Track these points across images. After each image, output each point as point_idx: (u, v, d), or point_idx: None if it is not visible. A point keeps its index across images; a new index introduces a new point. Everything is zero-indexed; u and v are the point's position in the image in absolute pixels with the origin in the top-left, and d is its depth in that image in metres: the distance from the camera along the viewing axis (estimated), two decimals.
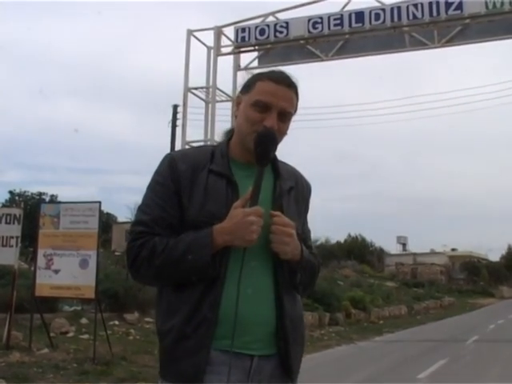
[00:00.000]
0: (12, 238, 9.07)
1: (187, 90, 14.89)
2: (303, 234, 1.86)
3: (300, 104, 1.81)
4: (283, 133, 1.78)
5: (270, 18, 14.57)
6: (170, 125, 22.89)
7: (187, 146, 13.72)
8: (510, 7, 12.53)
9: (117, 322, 12.42)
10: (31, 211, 16.63)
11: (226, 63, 15.17)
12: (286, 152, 1.89)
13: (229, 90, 15.01)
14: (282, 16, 14.58)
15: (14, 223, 9.14)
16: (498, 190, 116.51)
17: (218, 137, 1.98)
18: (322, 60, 14.38)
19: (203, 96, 15.09)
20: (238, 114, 1.80)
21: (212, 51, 15.02)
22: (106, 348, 9.00)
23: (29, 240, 16.50)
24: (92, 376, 7.52)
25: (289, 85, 1.76)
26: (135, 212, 1.84)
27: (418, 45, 13.78)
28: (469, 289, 51.68)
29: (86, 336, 10.61)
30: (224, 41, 15.02)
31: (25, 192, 34.12)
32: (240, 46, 14.80)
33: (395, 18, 13.31)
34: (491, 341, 15.07)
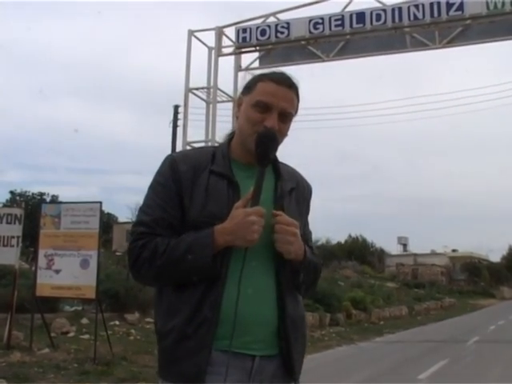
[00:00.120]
0: (13, 237, 9.09)
1: (188, 90, 14.90)
2: (304, 235, 1.86)
3: (301, 104, 1.82)
4: (284, 134, 1.78)
5: (271, 19, 14.56)
6: (171, 125, 22.94)
7: (188, 147, 13.73)
8: (511, 8, 12.53)
9: (117, 322, 12.43)
10: (32, 211, 16.63)
11: (226, 64, 15.21)
12: (286, 153, 1.89)
13: (230, 90, 15.03)
14: (283, 16, 14.58)
15: (14, 223, 9.15)
16: (499, 190, 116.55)
17: (219, 137, 1.98)
18: (323, 60, 14.38)
19: (204, 96, 15.10)
20: (240, 114, 1.81)
21: (213, 51, 15.03)
22: (107, 348, 9.01)
23: (30, 240, 16.53)
24: (93, 376, 7.52)
25: (290, 85, 1.77)
26: (136, 213, 1.84)
27: (419, 45, 13.78)
28: (469, 290, 51.63)
29: (86, 336, 10.63)
30: (225, 41, 15.04)
31: (26, 192, 34.13)
32: (241, 46, 14.80)
33: (396, 19, 13.31)
34: (492, 342, 15.06)
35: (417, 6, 13.22)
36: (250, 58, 15.07)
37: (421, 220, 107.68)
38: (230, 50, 15.08)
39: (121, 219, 36.45)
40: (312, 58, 14.47)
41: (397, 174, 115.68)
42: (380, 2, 13.62)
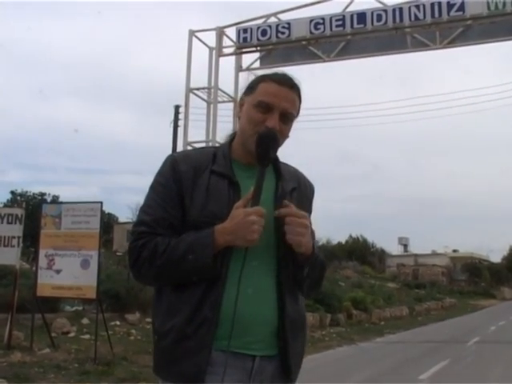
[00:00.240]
0: (14, 238, 9.09)
1: (189, 90, 14.91)
2: None
3: (302, 105, 1.81)
4: (285, 134, 1.78)
5: (272, 19, 14.57)
6: (172, 125, 22.95)
7: (189, 147, 13.74)
8: (511, 8, 12.53)
9: (118, 323, 12.44)
10: (33, 211, 16.65)
11: (227, 64, 15.22)
12: (288, 153, 1.89)
13: (230, 90, 15.04)
14: (284, 17, 14.59)
15: (15, 223, 9.16)
16: (500, 190, 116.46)
17: (220, 138, 1.98)
18: (324, 61, 14.38)
19: (205, 96, 15.10)
20: (241, 115, 1.81)
21: (214, 52, 15.04)
22: (107, 348, 9.01)
23: (30, 240, 16.53)
24: (93, 376, 7.52)
25: (291, 86, 1.77)
26: (137, 212, 1.84)
27: (420, 46, 13.79)
28: (470, 290, 51.57)
29: (87, 336, 10.64)
30: (226, 41, 15.05)
31: (26, 192, 34.12)
32: (242, 46, 14.81)
33: (397, 19, 13.32)
34: (492, 342, 15.05)
35: (418, 7, 13.23)
36: (250, 59, 15.11)
37: (422, 220, 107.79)
38: (231, 50, 15.09)
39: (121, 219, 36.48)
40: (313, 58, 14.47)
41: (398, 174, 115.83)
42: (381, 3, 13.63)
